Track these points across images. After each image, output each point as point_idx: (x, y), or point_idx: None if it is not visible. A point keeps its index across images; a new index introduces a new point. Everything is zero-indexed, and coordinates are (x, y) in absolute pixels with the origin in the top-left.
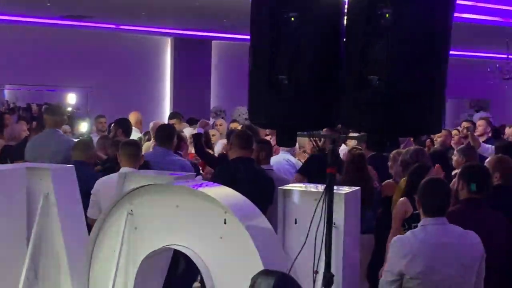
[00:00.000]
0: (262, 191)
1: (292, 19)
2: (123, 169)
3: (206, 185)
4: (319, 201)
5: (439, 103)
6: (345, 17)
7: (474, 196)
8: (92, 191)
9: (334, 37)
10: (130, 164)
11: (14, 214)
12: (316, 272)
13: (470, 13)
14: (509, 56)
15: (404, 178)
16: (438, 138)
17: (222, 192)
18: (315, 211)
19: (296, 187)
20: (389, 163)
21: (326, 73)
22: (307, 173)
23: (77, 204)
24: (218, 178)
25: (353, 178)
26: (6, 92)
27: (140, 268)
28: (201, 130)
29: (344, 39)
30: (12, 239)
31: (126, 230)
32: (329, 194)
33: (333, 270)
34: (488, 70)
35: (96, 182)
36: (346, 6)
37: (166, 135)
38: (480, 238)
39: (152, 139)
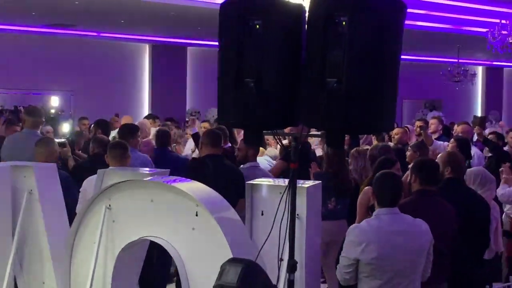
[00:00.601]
0: (232, 185)
1: (257, 26)
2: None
3: (179, 181)
4: (283, 194)
5: (391, 103)
6: (306, 25)
7: (425, 187)
8: (80, 190)
9: (296, 43)
10: (117, 164)
11: (4, 208)
12: (281, 260)
13: (424, 21)
14: (459, 60)
15: None
16: (395, 135)
17: (194, 187)
18: (279, 204)
19: (263, 181)
20: (349, 160)
21: (289, 76)
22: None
23: (59, 199)
24: (190, 174)
25: (333, 170)
26: None
27: (118, 259)
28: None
29: (305, 45)
30: (3, 231)
31: (104, 223)
32: (292, 187)
33: (296, 257)
34: (441, 73)
35: (84, 181)
36: (306, 15)
37: (128, 133)
38: (430, 225)
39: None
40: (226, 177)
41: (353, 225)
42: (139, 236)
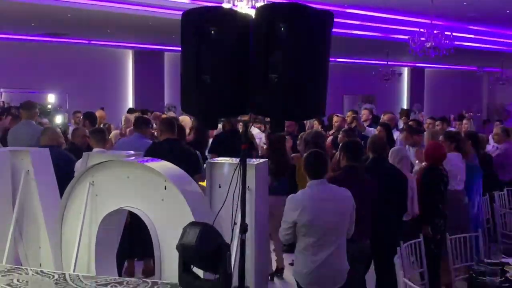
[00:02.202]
0: (187, 164)
1: (212, 32)
2: (94, 150)
3: (151, 161)
4: (235, 170)
5: (322, 94)
6: (252, 31)
7: (351, 164)
8: (75, 169)
9: (244, 45)
10: (99, 146)
11: (1, 187)
12: (234, 223)
13: (359, 30)
14: (388, 63)
15: None
16: (335, 123)
17: (163, 165)
18: (232, 178)
19: (220, 160)
20: (298, 142)
21: (239, 73)
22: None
23: (52, 177)
24: (149, 155)
25: (273, 153)
26: (2, 94)
27: (100, 226)
28: None
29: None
30: (0, 206)
31: (89, 197)
32: (243, 165)
33: (247, 221)
34: (373, 73)
35: (76, 162)
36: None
37: (142, 123)
38: (354, 193)
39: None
40: (181, 156)
41: (291, 195)
42: (118, 206)
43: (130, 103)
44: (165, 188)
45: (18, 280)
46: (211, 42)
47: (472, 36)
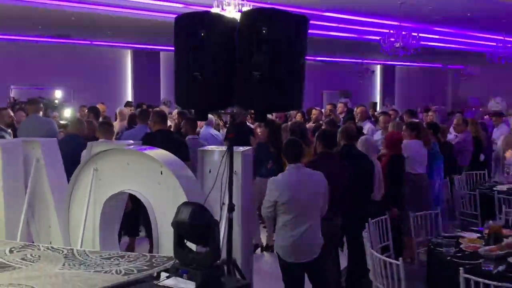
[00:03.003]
0: (177, 152)
1: (202, 34)
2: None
3: (149, 149)
4: (223, 156)
5: (300, 89)
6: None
7: (326, 150)
8: (80, 157)
9: (231, 46)
10: (104, 136)
11: (15, 174)
12: (223, 204)
13: (336, 32)
14: (364, 61)
15: None
16: (313, 115)
17: (159, 153)
18: (220, 163)
19: (210, 148)
20: (282, 132)
21: (226, 71)
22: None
23: (60, 164)
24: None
25: (274, 140)
26: (12, 90)
27: (103, 207)
28: None
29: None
30: (15, 191)
31: (93, 181)
32: (230, 152)
33: (234, 201)
34: (349, 70)
35: (82, 152)
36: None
37: (146, 116)
38: (328, 176)
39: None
40: (171, 145)
41: (272, 177)
42: (119, 190)
43: (129, 98)
44: (161, 173)
45: (31, 255)
46: (201, 43)
47: (437, 36)
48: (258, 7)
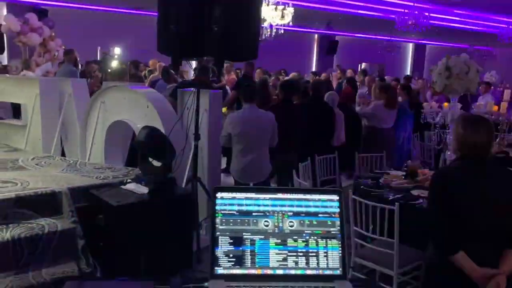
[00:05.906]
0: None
1: None
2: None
3: (140, 88)
4: (191, 95)
5: (252, 40)
6: None
7: (286, 98)
8: None
9: (200, 5)
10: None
11: (52, 104)
12: (193, 134)
13: (366, 10)
14: (392, 38)
15: None
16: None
17: (147, 91)
18: (193, 101)
19: (188, 90)
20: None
21: (197, 26)
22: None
23: (85, 99)
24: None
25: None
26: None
27: (107, 130)
28: None
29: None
30: (51, 117)
31: (100, 111)
32: (197, 92)
33: (202, 133)
34: (380, 45)
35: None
36: None
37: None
38: (286, 117)
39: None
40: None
41: (230, 113)
42: (118, 118)
43: None
44: (147, 107)
45: (45, 162)
46: (175, 3)
47: (459, 18)
48: None
